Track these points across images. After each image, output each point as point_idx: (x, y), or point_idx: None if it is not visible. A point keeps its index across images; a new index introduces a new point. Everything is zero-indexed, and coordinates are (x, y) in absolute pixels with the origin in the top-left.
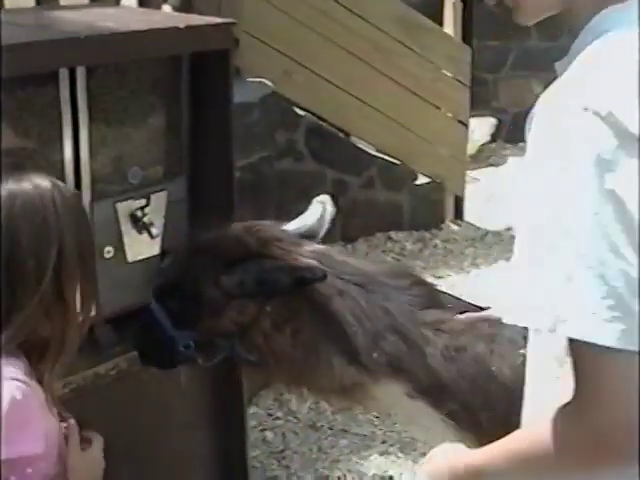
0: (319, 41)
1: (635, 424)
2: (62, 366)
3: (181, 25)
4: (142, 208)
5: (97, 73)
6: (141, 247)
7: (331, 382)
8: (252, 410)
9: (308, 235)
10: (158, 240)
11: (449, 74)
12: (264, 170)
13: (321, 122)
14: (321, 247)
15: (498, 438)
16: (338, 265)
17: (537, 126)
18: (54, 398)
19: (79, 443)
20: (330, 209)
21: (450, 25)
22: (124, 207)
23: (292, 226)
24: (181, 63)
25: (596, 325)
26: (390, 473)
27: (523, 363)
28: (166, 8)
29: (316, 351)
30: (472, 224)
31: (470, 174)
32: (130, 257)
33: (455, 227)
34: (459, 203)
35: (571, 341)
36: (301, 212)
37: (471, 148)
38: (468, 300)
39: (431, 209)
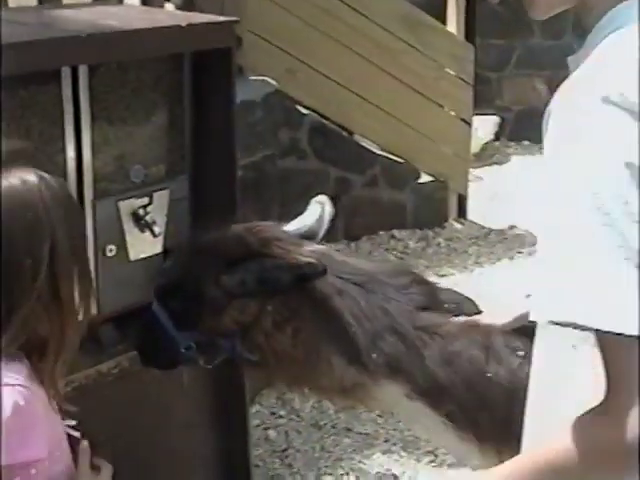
0: (322, 39)
1: None
2: (64, 364)
3: (183, 23)
4: (144, 207)
5: (99, 71)
6: (143, 246)
7: (332, 382)
8: (255, 409)
9: (308, 236)
10: (160, 239)
11: (452, 72)
12: (267, 169)
13: (324, 120)
14: (321, 247)
15: (498, 438)
16: (338, 265)
17: (555, 123)
18: (57, 396)
19: (89, 467)
20: (329, 209)
21: (453, 23)
22: (126, 206)
23: (291, 227)
24: (183, 61)
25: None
26: (393, 472)
27: (521, 364)
28: (169, 7)
29: (316, 350)
30: (475, 223)
31: (473, 172)
32: (132, 256)
33: (458, 225)
34: (462, 202)
35: (605, 340)
36: (304, 211)
37: (475, 146)
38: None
39: (434, 207)
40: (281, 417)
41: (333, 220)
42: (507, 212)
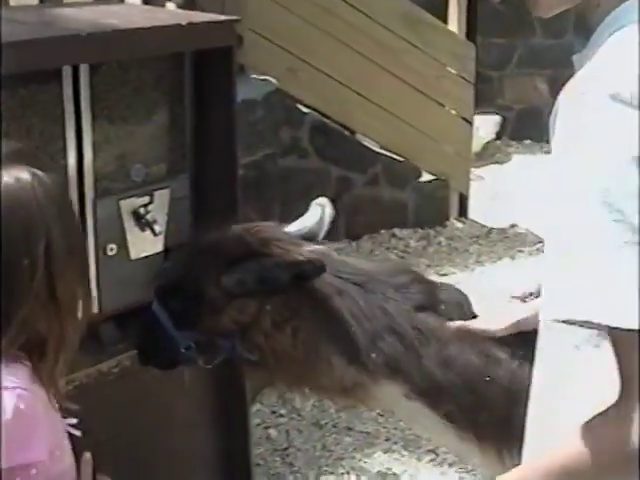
0: (323, 38)
1: None
2: (64, 363)
3: (184, 22)
4: (145, 205)
5: (100, 70)
6: (144, 244)
7: (332, 381)
8: (256, 408)
9: (308, 237)
10: (161, 238)
11: (454, 71)
12: (268, 168)
13: (325, 119)
14: (320, 247)
15: (497, 437)
16: (337, 265)
17: (563, 121)
18: (58, 395)
19: None
20: (329, 211)
21: (455, 22)
22: (127, 204)
23: (292, 228)
24: (184, 60)
25: None
26: (394, 470)
27: (520, 365)
28: (170, 6)
29: (316, 350)
30: (476, 222)
31: (474, 171)
32: (133, 254)
33: (459, 224)
34: (463, 200)
35: (619, 339)
36: (305, 209)
37: (476, 145)
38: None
39: (435, 206)
40: (282, 416)
41: (334, 219)
42: (508, 211)
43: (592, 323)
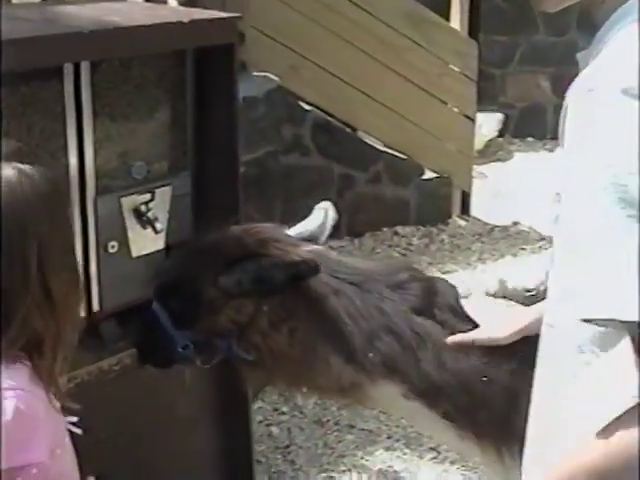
0: (325, 35)
1: None
2: (64, 361)
3: (186, 20)
4: (146, 203)
5: (101, 68)
6: (145, 242)
7: (329, 381)
8: (258, 405)
9: (309, 240)
10: (162, 235)
11: (456, 69)
12: (270, 165)
13: (327, 117)
14: (318, 247)
15: (497, 436)
16: (334, 264)
17: (574, 115)
18: (59, 393)
19: None
20: (332, 215)
21: (457, 20)
22: (128, 202)
23: (294, 231)
24: (186, 58)
25: None
26: (395, 468)
27: (519, 363)
28: (171, 3)
29: (313, 350)
30: (479, 219)
31: (477, 169)
32: (134, 252)
33: (462, 222)
34: (466, 198)
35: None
36: (307, 207)
37: (478, 143)
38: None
39: (438, 204)
40: (284, 414)
41: (337, 216)
42: (510, 209)
43: (615, 321)
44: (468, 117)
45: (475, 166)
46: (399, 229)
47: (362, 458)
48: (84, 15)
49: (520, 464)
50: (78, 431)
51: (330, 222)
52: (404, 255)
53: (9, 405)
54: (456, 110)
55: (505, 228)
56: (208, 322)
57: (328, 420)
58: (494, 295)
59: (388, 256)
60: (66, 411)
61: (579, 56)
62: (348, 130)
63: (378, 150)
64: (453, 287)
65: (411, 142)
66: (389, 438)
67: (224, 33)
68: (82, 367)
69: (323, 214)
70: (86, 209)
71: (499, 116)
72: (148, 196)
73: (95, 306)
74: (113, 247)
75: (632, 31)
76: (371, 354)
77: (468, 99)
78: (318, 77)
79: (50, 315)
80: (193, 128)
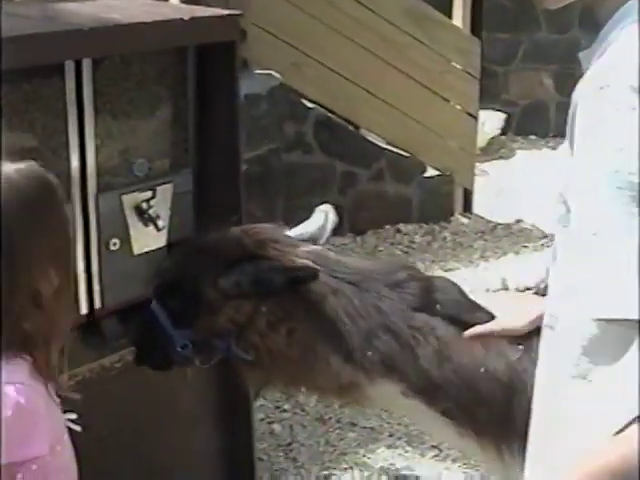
0: (327, 33)
1: None
2: (61, 355)
3: (187, 17)
4: (148, 200)
5: (103, 65)
6: (147, 239)
7: (328, 381)
8: (259, 403)
9: (309, 242)
10: (164, 232)
11: (459, 66)
12: (272, 163)
13: (330, 114)
14: (317, 247)
15: (496, 433)
16: (333, 264)
17: (583, 113)
18: (58, 387)
19: None
20: (332, 218)
21: (459, 17)
22: (130, 199)
23: (294, 233)
24: (187, 55)
25: None
26: (397, 466)
27: (519, 359)
28: (174, 0)
29: (312, 349)
30: (481, 217)
31: (479, 167)
32: (136, 249)
33: (464, 220)
34: (468, 196)
35: None
36: (309, 205)
37: (481, 141)
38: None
39: (440, 202)
40: (286, 411)
41: (339, 215)
42: (513, 206)
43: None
44: (471, 114)
45: (477, 164)
46: (401, 227)
47: (364, 456)
48: (85, 12)
49: (519, 462)
50: (77, 428)
51: (330, 225)
52: (406, 253)
53: (9, 400)
54: (459, 108)
55: (508, 226)
56: (207, 322)
57: (330, 418)
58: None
59: (390, 254)
60: (67, 404)
61: (581, 55)
62: (350, 128)
63: (380, 148)
64: (454, 284)
65: (413, 140)
66: (391, 436)
67: (226, 30)
68: (84, 364)
69: (323, 216)
70: (87, 206)
71: (501, 115)
72: (149, 193)
73: (97, 303)
74: (115, 245)
75: (634, 31)
76: (369, 353)
77: (470, 97)
78: (320, 74)
79: (40, 316)
80: (194, 125)
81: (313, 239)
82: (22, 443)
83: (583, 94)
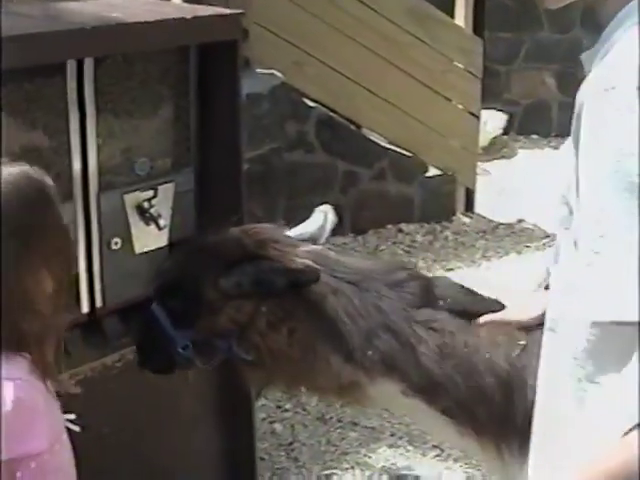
0: (329, 32)
1: None
2: (56, 356)
3: (189, 16)
4: (149, 200)
5: (104, 64)
6: (149, 239)
7: (328, 380)
8: (261, 402)
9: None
10: (166, 231)
11: (461, 66)
12: (274, 162)
13: (332, 113)
14: (317, 247)
15: (496, 432)
16: (333, 264)
17: (589, 114)
18: (57, 384)
19: None
20: (331, 218)
21: (462, 16)
22: (131, 198)
23: (293, 233)
24: (189, 54)
25: None
26: (399, 466)
27: (519, 357)
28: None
29: (312, 349)
30: (483, 216)
31: (481, 166)
32: (138, 249)
33: (466, 219)
34: (470, 195)
35: None
36: (311, 204)
37: (483, 140)
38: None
39: (442, 201)
40: (287, 411)
41: (340, 214)
42: (515, 206)
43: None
44: (473, 114)
45: (479, 163)
46: (403, 226)
47: (365, 456)
48: (87, 11)
49: (519, 461)
50: (76, 428)
51: (330, 225)
52: (408, 252)
53: (9, 395)
54: (461, 107)
55: (509, 225)
56: (208, 322)
57: (331, 417)
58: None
59: (392, 253)
60: (67, 406)
61: (583, 57)
62: (352, 127)
63: (382, 147)
64: (455, 283)
65: (415, 139)
66: (392, 436)
67: (227, 29)
68: (85, 363)
69: (323, 217)
70: (89, 205)
71: (504, 115)
72: (151, 192)
73: (98, 302)
74: (116, 243)
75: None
76: (370, 352)
77: (473, 96)
78: (322, 74)
79: (33, 317)
80: (196, 124)
81: (312, 239)
82: (22, 439)
83: (588, 96)
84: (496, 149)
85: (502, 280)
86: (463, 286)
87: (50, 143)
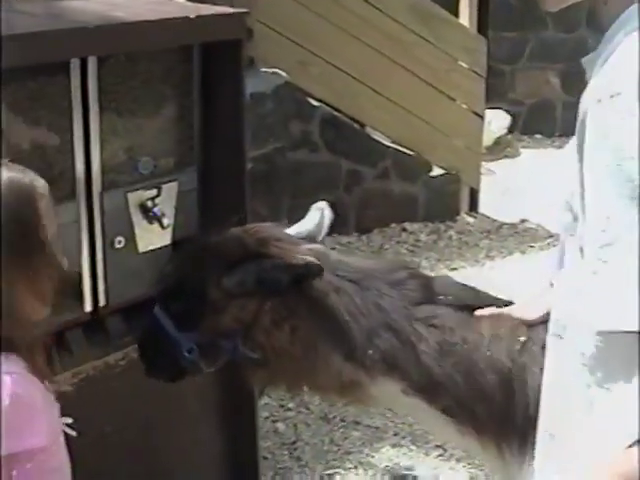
0: (334, 31)
1: None
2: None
3: (192, 15)
4: (153, 198)
5: (108, 63)
6: (152, 237)
7: (330, 379)
8: (264, 401)
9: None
10: (169, 230)
11: (465, 65)
12: (277, 161)
13: (336, 113)
14: (318, 246)
15: (497, 431)
16: (334, 263)
17: (593, 120)
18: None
19: None
20: (328, 214)
21: (466, 16)
22: (135, 197)
23: (291, 231)
24: (192, 53)
25: None
26: (401, 465)
27: (521, 350)
28: None
29: (314, 348)
30: (487, 216)
31: (485, 166)
32: (141, 247)
33: (470, 219)
34: (474, 195)
35: None
36: (315, 203)
37: (487, 140)
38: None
39: (446, 201)
40: (290, 410)
41: (344, 213)
42: (519, 206)
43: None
44: (477, 114)
45: (483, 163)
46: (407, 225)
47: (368, 455)
48: (90, 10)
49: (520, 460)
50: (73, 433)
51: (327, 222)
52: (412, 252)
53: (6, 389)
54: (465, 106)
55: (513, 225)
56: (212, 322)
57: (334, 416)
58: None
59: (396, 252)
60: (68, 406)
61: (585, 61)
62: (356, 126)
63: (386, 146)
64: (457, 281)
65: (419, 138)
66: (395, 435)
67: (231, 28)
68: (88, 362)
69: (319, 214)
70: (92, 204)
71: (508, 115)
72: (154, 191)
73: (101, 301)
74: (120, 242)
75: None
76: (370, 351)
77: (477, 95)
78: (326, 73)
79: (20, 325)
80: (200, 123)
81: (311, 237)
82: (20, 434)
83: (591, 103)
84: (500, 149)
85: (506, 280)
86: (465, 284)
87: (53, 142)
